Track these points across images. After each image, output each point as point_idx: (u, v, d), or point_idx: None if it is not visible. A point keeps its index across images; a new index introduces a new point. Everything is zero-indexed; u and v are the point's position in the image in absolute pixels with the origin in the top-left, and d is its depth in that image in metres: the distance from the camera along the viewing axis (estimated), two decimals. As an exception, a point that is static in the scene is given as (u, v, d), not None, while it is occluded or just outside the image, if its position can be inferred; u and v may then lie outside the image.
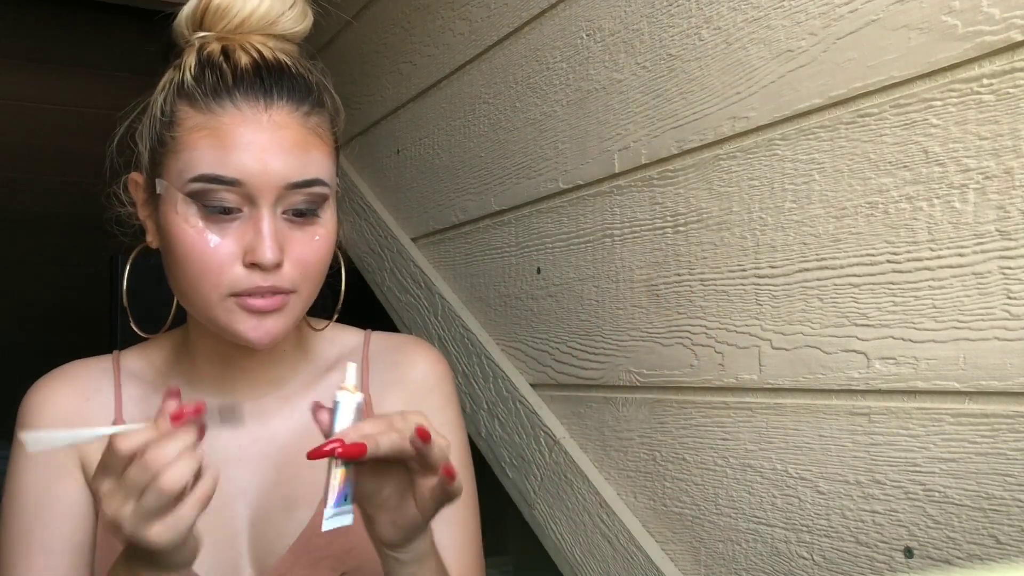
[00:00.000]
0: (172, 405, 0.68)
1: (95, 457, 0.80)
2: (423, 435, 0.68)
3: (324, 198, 0.81)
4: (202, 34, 0.82)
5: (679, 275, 0.91)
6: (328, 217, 0.82)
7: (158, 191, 0.80)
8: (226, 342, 0.84)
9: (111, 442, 0.66)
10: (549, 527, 1.12)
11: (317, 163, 0.80)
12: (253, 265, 0.77)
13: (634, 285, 0.97)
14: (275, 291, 0.78)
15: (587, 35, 1.03)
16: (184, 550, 0.68)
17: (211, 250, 0.77)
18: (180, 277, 0.80)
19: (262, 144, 0.77)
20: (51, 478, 0.86)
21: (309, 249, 0.80)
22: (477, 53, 1.24)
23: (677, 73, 0.90)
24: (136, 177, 0.85)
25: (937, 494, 0.68)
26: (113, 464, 0.66)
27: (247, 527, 0.87)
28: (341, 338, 0.96)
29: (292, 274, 0.79)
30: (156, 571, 0.69)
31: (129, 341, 0.94)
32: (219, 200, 0.77)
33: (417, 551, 0.74)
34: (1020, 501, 0.63)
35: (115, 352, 0.93)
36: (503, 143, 1.19)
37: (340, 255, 0.88)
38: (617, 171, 0.99)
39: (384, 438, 0.68)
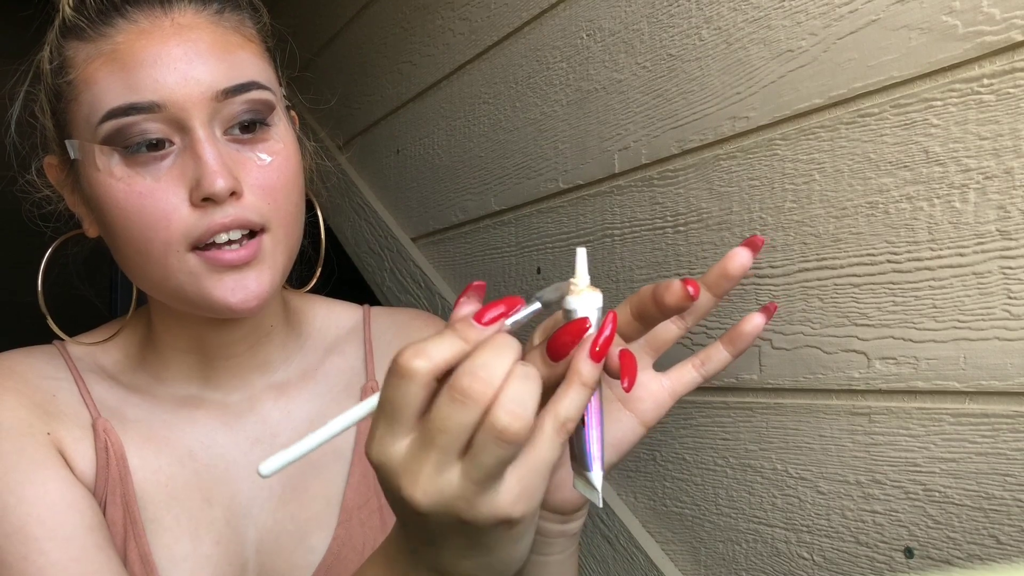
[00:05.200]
0: (470, 306, 0.47)
1: (72, 446, 0.68)
2: (693, 285, 0.50)
3: (269, 106, 0.66)
4: None
5: (679, 275, 0.91)
6: (283, 131, 0.68)
7: (73, 156, 0.66)
8: (199, 328, 0.71)
9: (395, 368, 0.44)
10: (549, 527, 1.12)
11: (247, 64, 0.66)
12: (205, 201, 0.62)
13: (634, 285, 0.97)
14: (241, 226, 0.63)
15: (587, 35, 1.03)
16: (532, 530, 0.47)
17: (149, 199, 0.62)
18: (124, 247, 0.65)
19: (173, 54, 0.62)
20: (35, 467, 0.67)
21: (269, 171, 0.65)
22: (477, 53, 1.24)
23: (677, 73, 0.90)
24: (50, 160, 0.72)
25: (937, 494, 0.68)
26: (401, 409, 0.43)
27: (253, 555, 0.72)
28: (337, 315, 0.83)
29: (258, 204, 0.64)
30: None
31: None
32: (140, 135, 0.62)
33: (585, 513, 0.59)
34: (1020, 501, 0.63)
35: (55, 342, 0.77)
36: (503, 143, 1.19)
37: (312, 197, 0.75)
38: (617, 171, 0.99)
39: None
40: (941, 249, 0.67)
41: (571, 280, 0.48)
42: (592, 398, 0.47)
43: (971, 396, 0.66)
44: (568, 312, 0.47)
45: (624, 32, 0.97)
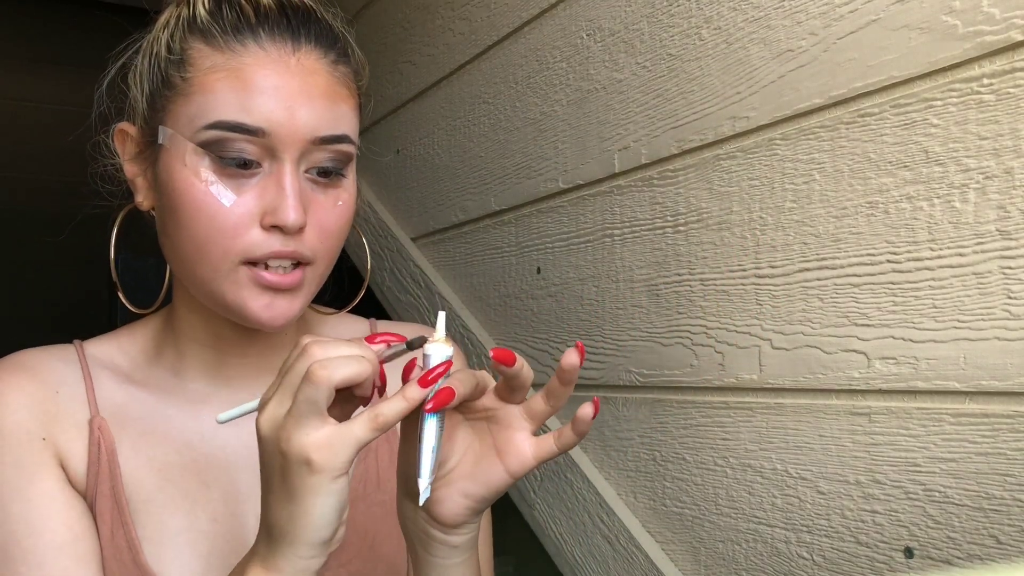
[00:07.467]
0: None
1: (66, 446, 0.73)
2: (505, 357, 0.61)
3: (349, 158, 0.73)
4: None
5: (679, 275, 0.91)
6: (351, 181, 0.74)
7: (160, 140, 0.71)
8: (219, 324, 0.76)
9: (295, 345, 0.60)
10: (549, 527, 1.12)
11: (346, 118, 0.72)
12: (273, 228, 0.68)
13: (634, 285, 0.97)
14: (294, 258, 0.70)
15: (587, 35, 1.03)
16: (336, 506, 0.58)
17: (225, 209, 0.68)
18: (184, 241, 0.70)
19: (290, 90, 0.68)
20: (25, 480, 0.71)
21: (332, 215, 0.72)
22: (477, 53, 1.24)
23: (677, 73, 0.90)
24: (126, 127, 0.75)
25: (937, 494, 0.68)
26: (287, 362, 0.59)
27: (253, 538, 0.75)
28: (344, 327, 0.88)
29: (313, 241, 0.70)
30: (292, 546, 0.59)
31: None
32: (237, 151, 0.68)
33: (473, 532, 0.66)
34: (1020, 501, 0.63)
35: (75, 342, 0.81)
36: (503, 143, 1.19)
37: (358, 229, 0.81)
38: (617, 171, 0.99)
39: (465, 379, 0.61)
40: (941, 249, 0.67)
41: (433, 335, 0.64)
42: (432, 424, 0.60)
43: (971, 396, 0.66)
44: (425, 356, 0.61)
45: (624, 32, 0.97)
